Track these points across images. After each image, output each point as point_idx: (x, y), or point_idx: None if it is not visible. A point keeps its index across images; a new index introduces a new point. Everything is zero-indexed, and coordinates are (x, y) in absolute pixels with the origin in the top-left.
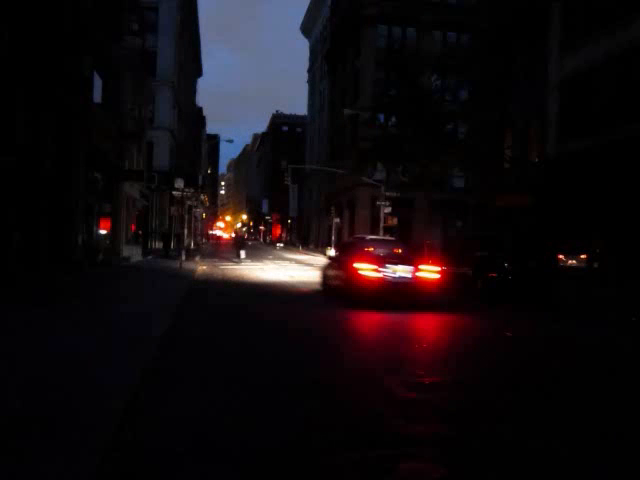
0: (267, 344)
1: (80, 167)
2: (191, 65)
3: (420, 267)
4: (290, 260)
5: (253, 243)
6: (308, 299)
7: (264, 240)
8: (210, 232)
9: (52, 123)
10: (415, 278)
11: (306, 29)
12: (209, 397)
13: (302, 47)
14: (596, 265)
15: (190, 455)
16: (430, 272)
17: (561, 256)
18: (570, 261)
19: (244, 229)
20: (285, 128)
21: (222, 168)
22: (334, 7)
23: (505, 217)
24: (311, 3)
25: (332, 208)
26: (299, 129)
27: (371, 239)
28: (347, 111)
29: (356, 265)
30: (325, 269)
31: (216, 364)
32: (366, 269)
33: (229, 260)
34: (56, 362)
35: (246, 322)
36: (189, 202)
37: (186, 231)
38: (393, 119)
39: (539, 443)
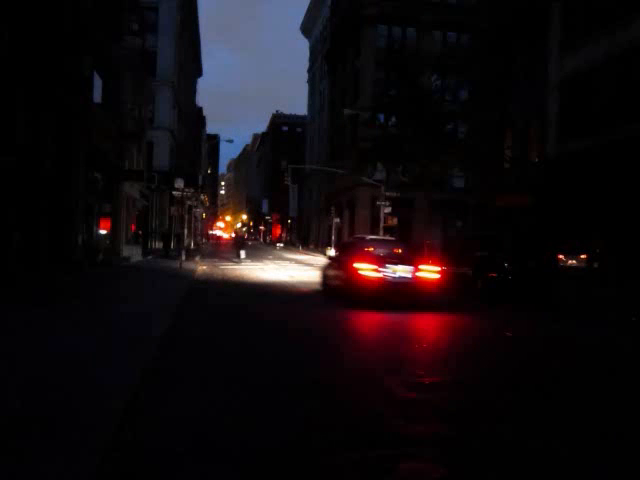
0: (267, 344)
1: (80, 167)
2: (191, 65)
3: (420, 267)
4: (290, 260)
5: (253, 243)
6: (308, 299)
7: (264, 240)
8: (210, 232)
9: (52, 123)
10: (415, 278)
11: (306, 29)
12: (209, 397)
13: (302, 47)
14: (596, 265)
15: (190, 455)
16: (430, 272)
17: (561, 256)
18: (570, 261)
19: (244, 229)
20: (285, 128)
21: (222, 168)
22: (334, 7)
23: (505, 217)
24: (311, 3)
25: (332, 208)
26: (299, 129)
27: (371, 239)
28: (347, 111)
29: (356, 265)
30: (325, 269)
31: (216, 364)
32: (366, 269)
33: (229, 260)
34: (56, 362)
35: (246, 322)
36: (189, 202)
37: (186, 231)
38: (393, 119)
39: (539, 443)
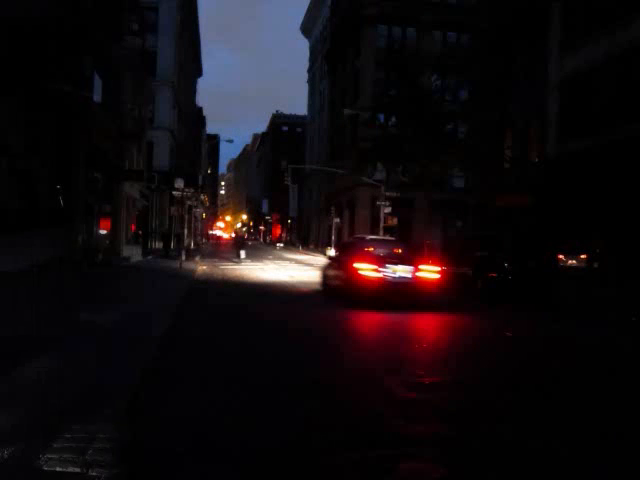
0: (267, 344)
1: (80, 167)
2: (191, 65)
3: (420, 267)
4: (290, 260)
5: (253, 243)
6: (308, 299)
7: (264, 240)
8: (210, 232)
9: (52, 123)
10: (415, 278)
11: (306, 29)
12: (209, 397)
13: (302, 47)
14: (596, 265)
15: (190, 455)
16: (430, 272)
17: (561, 256)
18: (570, 261)
19: (244, 229)
20: (285, 128)
21: (222, 168)
22: (334, 7)
23: (505, 217)
24: (311, 3)
25: (332, 208)
26: (299, 129)
27: (371, 239)
28: (347, 111)
29: (356, 265)
30: (325, 269)
31: (216, 364)
32: (366, 269)
33: (229, 260)
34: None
35: (246, 322)
36: (189, 202)
37: (186, 231)
38: (393, 119)
39: (539, 443)
